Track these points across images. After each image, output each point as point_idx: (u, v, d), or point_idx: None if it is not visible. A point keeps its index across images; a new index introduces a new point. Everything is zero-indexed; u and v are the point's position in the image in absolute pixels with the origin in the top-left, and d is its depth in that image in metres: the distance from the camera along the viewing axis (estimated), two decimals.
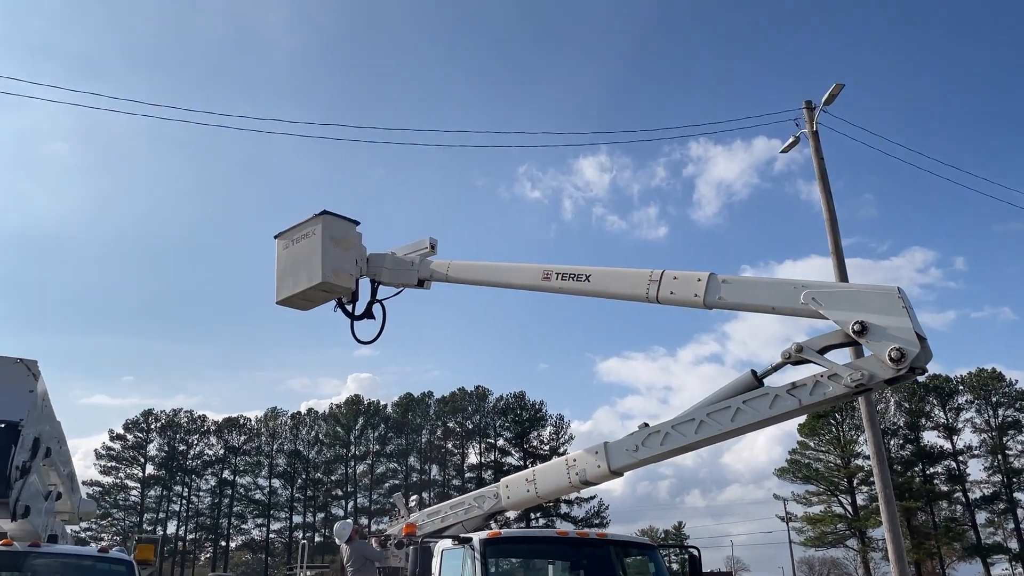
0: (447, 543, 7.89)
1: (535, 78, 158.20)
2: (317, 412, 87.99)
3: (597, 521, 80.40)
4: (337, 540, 11.62)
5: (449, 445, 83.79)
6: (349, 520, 12.50)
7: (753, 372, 7.75)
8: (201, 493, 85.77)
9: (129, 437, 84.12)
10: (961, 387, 75.00)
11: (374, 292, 10.27)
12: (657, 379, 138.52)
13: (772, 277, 7.83)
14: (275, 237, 10.24)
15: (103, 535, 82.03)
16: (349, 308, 10.19)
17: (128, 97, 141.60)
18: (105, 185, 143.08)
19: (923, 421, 74.94)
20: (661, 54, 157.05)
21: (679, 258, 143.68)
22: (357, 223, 10.17)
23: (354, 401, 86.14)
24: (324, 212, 9.86)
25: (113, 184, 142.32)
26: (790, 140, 18.54)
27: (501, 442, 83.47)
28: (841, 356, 7.48)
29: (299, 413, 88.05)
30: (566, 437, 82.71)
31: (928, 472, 73.47)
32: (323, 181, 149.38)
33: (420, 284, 10.07)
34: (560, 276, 8.79)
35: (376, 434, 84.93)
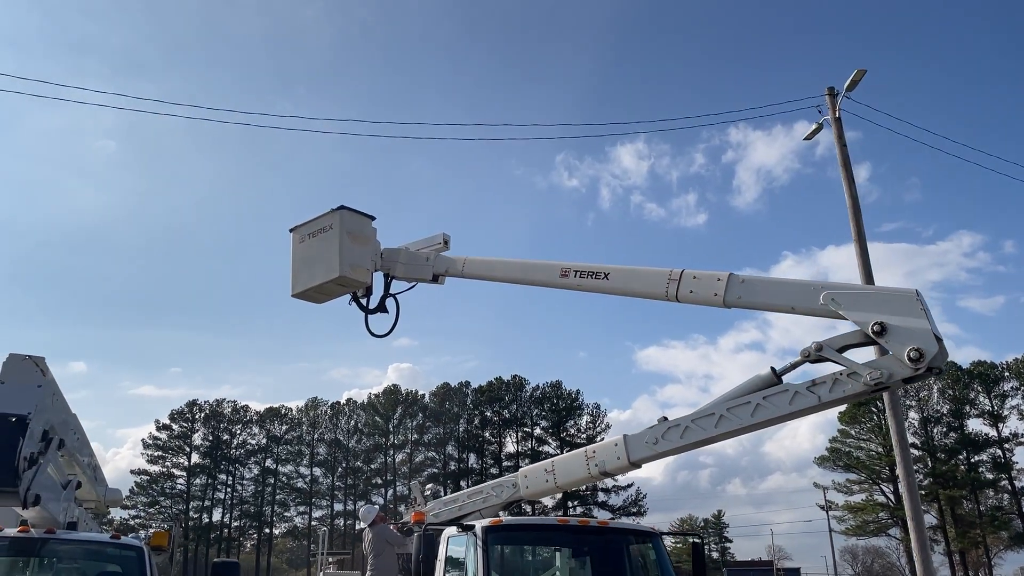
0: (452, 530, 8.05)
1: (572, 68, 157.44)
2: (356, 402, 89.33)
3: (635, 510, 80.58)
4: (362, 523, 11.84)
5: (486, 434, 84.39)
6: (375, 505, 12.77)
7: (773, 369, 7.84)
8: (245, 481, 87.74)
9: (175, 427, 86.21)
10: (1007, 373, 73.36)
11: (387, 286, 10.31)
12: (697, 367, 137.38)
13: (792, 278, 7.89)
14: (290, 231, 10.28)
15: (151, 522, 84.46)
16: (363, 302, 10.24)
17: (166, 92, 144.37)
18: (150, 180, 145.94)
19: (968, 408, 73.52)
20: (700, 38, 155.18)
21: (719, 245, 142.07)
22: (373, 218, 10.22)
23: (392, 391, 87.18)
24: (342, 207, 9.88)
25: (158, 179, 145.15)
26: (813, 127, 18.37)
27: (538, 431, 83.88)
28: (863, 355, 7.52)
29: (339, 403, 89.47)
30: (603, 426, 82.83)
31: (973, 460, 72.08)
32: (361, 173, 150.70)
33: (435, 279, 10.11)
34: (578, 274, 8.89)
35: (414, 423, 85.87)
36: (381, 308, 10.26)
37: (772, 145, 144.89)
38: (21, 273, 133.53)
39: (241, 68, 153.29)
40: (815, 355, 7.45)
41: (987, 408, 73.14)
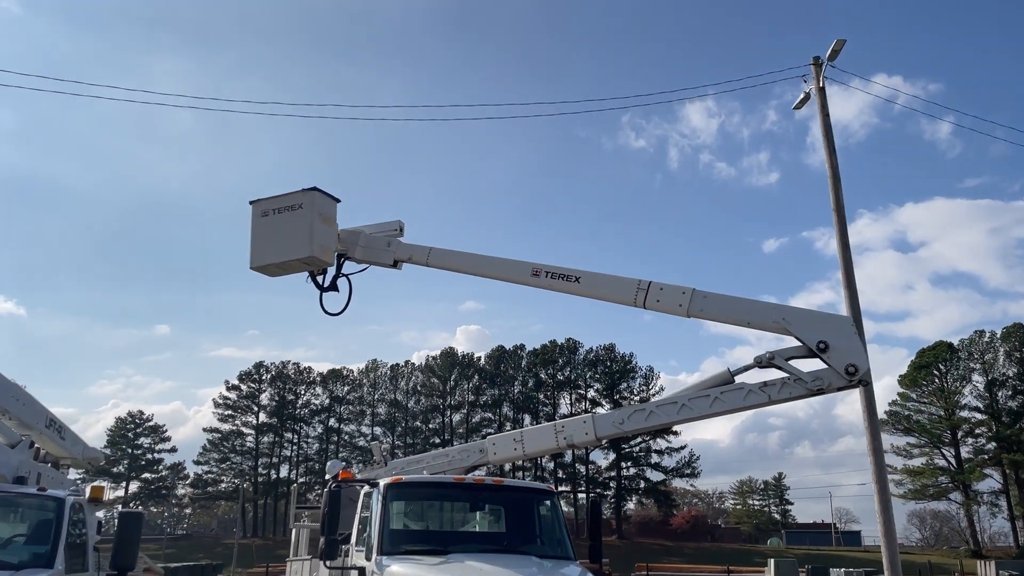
0: (367, 487, 8.65)
1: (638, 32, 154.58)
2: (414, 364, 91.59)
3: (688, 471, 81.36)
4: (328, 477, 12.63)
5: (541, 396, 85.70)
6: (341, 461, 13.60)
7: (729, 370, 8.57)
8: (310, 440, 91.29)
9: (243, 387, 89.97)
10: None
11: (339, 267, 10.66)
12: None
13: (747, 298, 8.73)
14: (251, 203, 10.58)
15: (223, 477, 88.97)
16: (319, 280, 10.64)
17: (237, 61, 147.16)
18: (225, 149, 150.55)
19: None
20: None
21: (791, 204, 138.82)
22: (339, 201, 10.58)
23: (449, 354, 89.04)
24: (314, 188, 10.26)
25: (232, 147, 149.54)
26: (800, 96, 18.24)
27: (592, 393, 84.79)
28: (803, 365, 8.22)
29: (398, 365, 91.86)
30: (656, 387, 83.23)
31: None
32: (424, 137, 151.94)
33: (394, 264, 10.44)
34: (550, 275, 9.47)
35: (470, 385, 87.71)
36: (333, 287, 10.62)
37: (849, 100, 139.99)
38: (105, 241, 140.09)
39: (309, 35, 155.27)
40: (766, 362, 8.42)
41: None
